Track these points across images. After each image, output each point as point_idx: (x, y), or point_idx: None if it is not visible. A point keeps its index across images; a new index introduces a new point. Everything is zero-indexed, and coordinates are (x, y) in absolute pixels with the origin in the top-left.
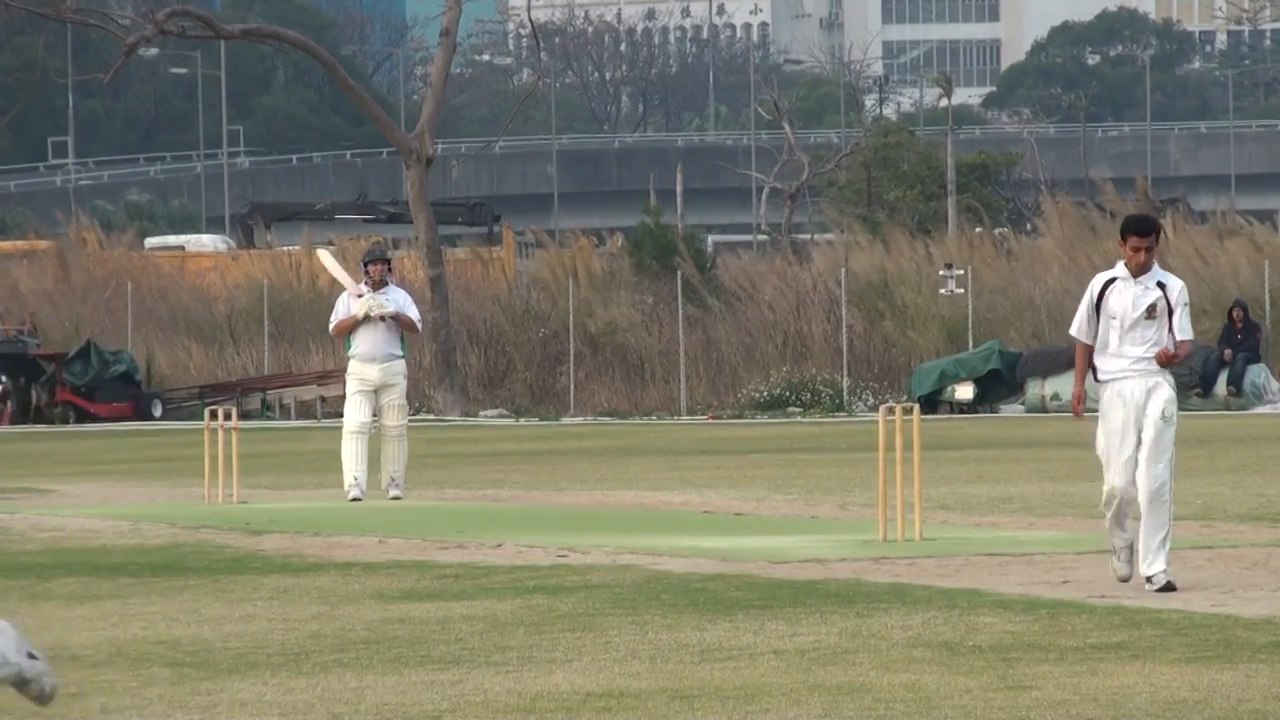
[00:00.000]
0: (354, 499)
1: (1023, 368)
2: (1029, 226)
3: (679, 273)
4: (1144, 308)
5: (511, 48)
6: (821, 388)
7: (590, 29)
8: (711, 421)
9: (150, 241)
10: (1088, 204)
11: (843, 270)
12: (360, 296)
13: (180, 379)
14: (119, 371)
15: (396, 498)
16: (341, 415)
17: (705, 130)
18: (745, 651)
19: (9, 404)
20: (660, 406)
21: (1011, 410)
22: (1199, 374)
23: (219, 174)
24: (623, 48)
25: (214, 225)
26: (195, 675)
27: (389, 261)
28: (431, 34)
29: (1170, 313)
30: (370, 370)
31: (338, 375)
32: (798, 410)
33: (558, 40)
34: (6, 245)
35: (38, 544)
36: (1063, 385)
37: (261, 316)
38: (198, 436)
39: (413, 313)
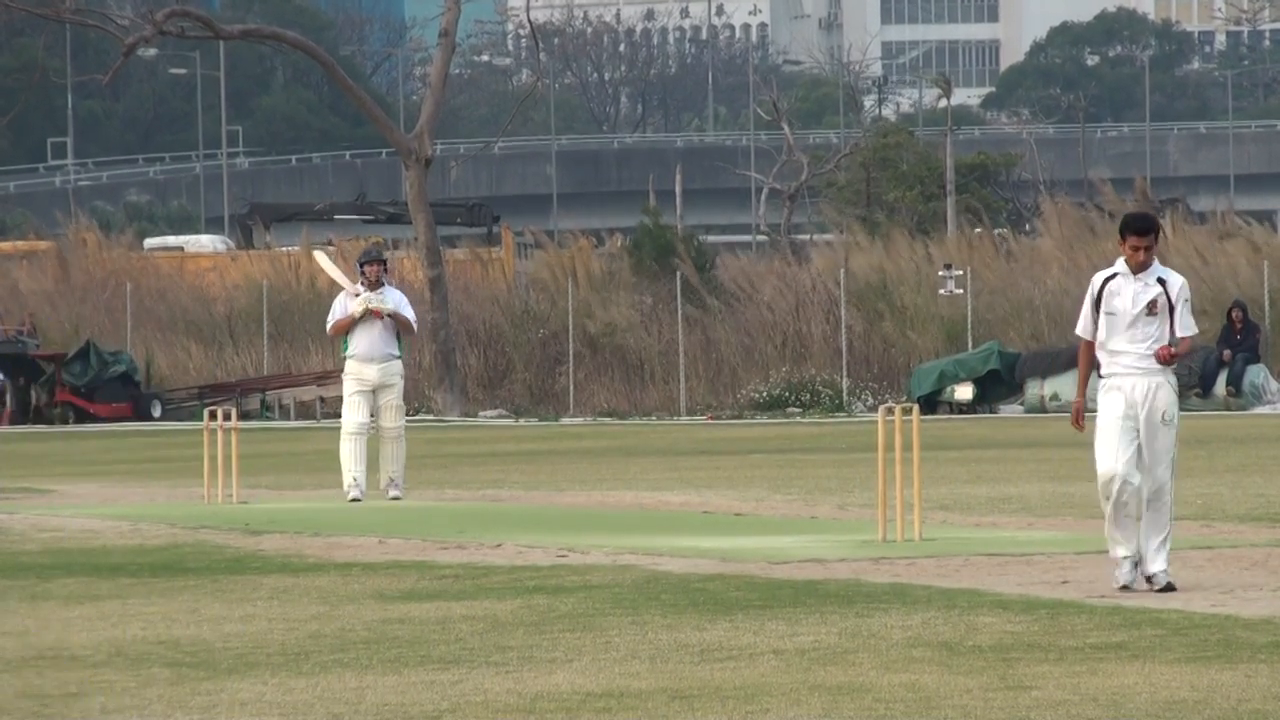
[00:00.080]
0: (353, 499)
1: (1022, 368)
2: (1028, 227)
3: (678, 273)
4: (1144, 304)
5: (510, 48)
6: (821, 388)
7: (589, 30)
8: (711, 422)
9: (149, 242)
10: (1087, 204)
11: (842, 271)
12: (357, 296)
13: (180, 379)
14: (118, 372)
15: (396, 498)
16: (340, 416)
17: (704, 131)
18: (745, 651)
19: (8, 404)
20: (660, 407)
21: (1011, 410)
22: (1198, 374)
23: (218, 174)
24: (622, 48)
25: (213, 226)
26: (195, 675)
27: (385, 262)
28: (430, 34)
29: (1171, 309)
30: (368, 370)
31: (337, 376)
32: (797, 411)
33: (557, 41)
34: (6, 246)
35: (38, 544)
36: (1062, 385)
37: (261, 317)
38: (197, 437)
39: (408, 313)
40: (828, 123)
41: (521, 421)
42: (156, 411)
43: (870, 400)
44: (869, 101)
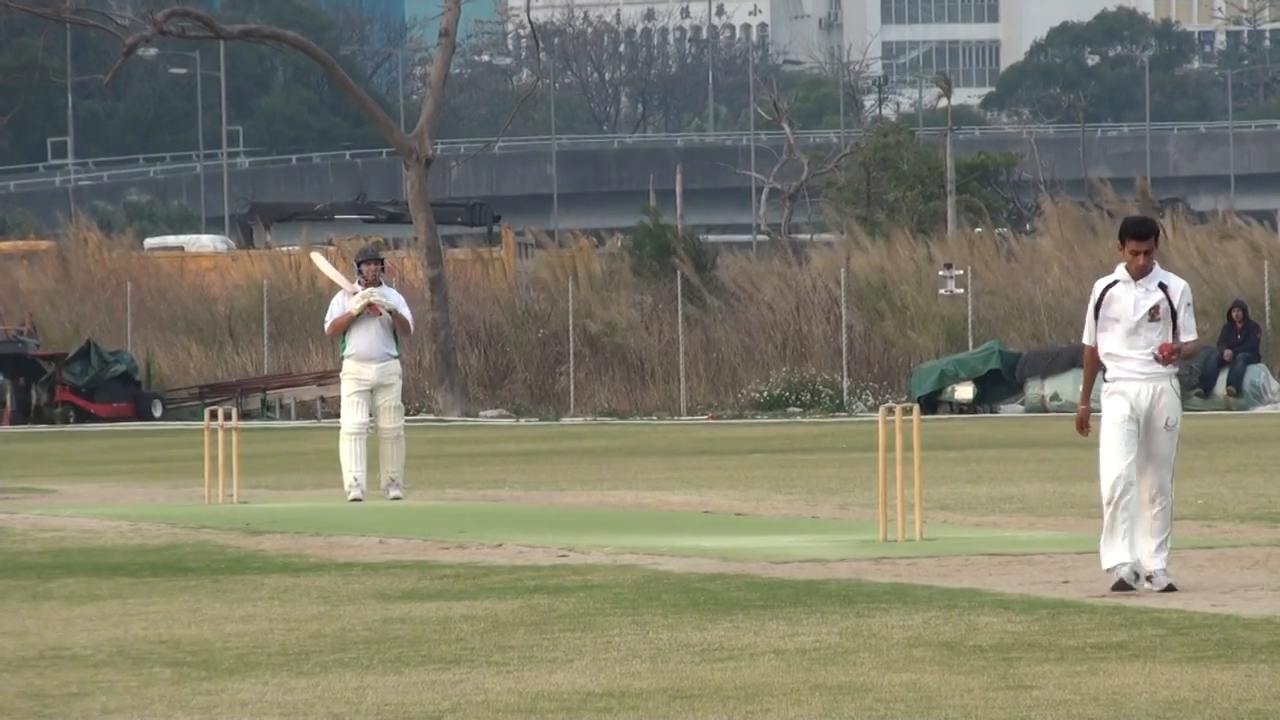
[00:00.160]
0: (354, 499)
1: (1022, 368)
2: (1028, 227)
3: (678, 273)
4: (1146, 310)
5: (511, 48)
6: (821, 388)
7: (589, 29)
8: (711, 422)
9: (150, 242)
10: (1087, 204)
11: (842, 270)
12: (355, 295)
13: (180, 379)
14: (119, 372)
15: (397, 498)
16: (340, 416)
17: (705, 131)
18: (746, 651)
19: (9, 404)
20: (660, 407)
21: (1011, 410)
22: (1199, 374)
23: (218, 174)
24: (622, 48)
25: (213, 225)
26: (196, 675)
27: (382, 261)
28: (431, 34)
29: (1174, 315)
30: (366, 370)
31: (337, 375)
32: (798, 410)
33: (557, 41)
34: (7, 245)
35: (38, 544)
36: (1062, 385)
37: (261, 317)
38: (198, 437)
39: (406, 313)
40: (828, 122)
41: (522, 421)
42: (157, 411)
43: (871, 400)
44: (869, 101)
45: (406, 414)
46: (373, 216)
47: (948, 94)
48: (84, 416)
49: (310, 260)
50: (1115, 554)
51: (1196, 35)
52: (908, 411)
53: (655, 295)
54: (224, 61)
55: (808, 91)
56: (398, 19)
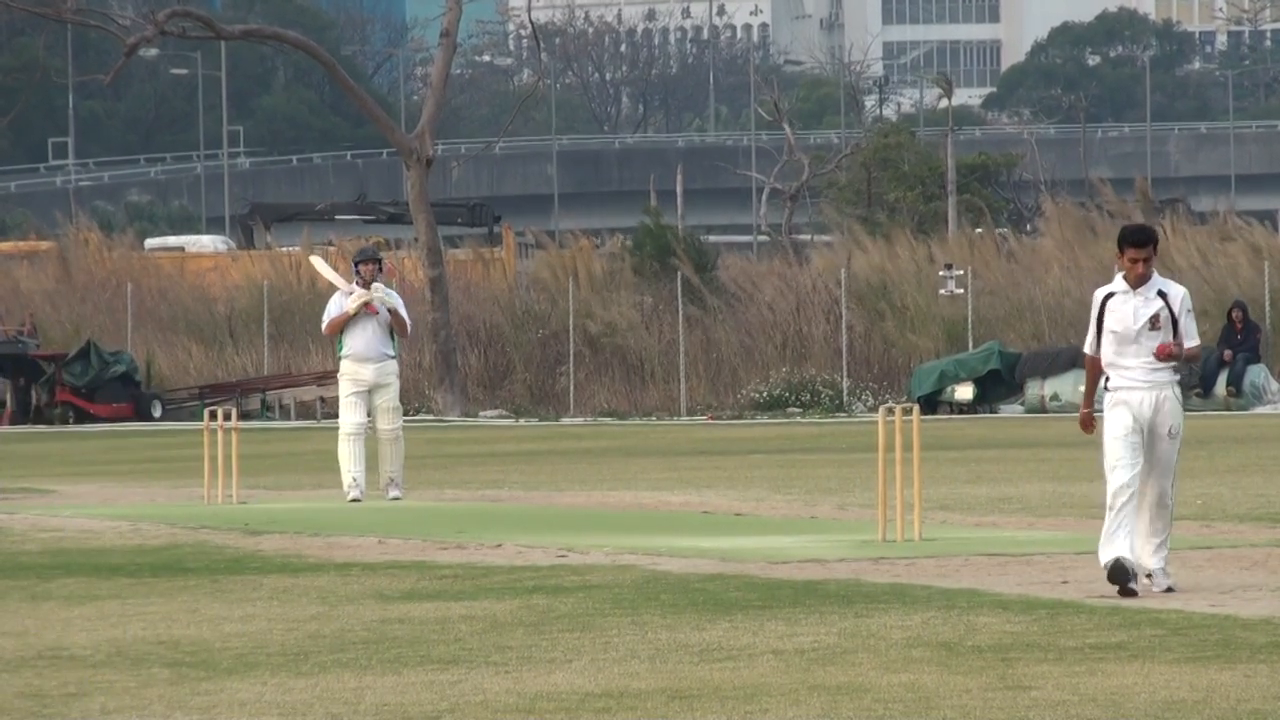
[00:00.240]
0: (353, 499)
1: (1022, 368)
2: (1029, 227)
3: (679, 273)
4: (1146, 319)
5: (512, 48)
6: (821, 388)
7: (590, 30)
8: (711, 422)
9: (150, 242)
10: (1088, 205)
11: (843, 271)
12: (351, 294)
13: (180, 379)
14: (119, 372)
15: (396, 498)
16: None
17: (705, 131)
18: (744, 652)
19: (9, 404)
20: (660, 407)
21: (1011, 411)
22: (1199, 374)
23: (219, 175)
24: (623, 48)
25: (214, 226)
26: (195, 675)
27: (380, 261)
28: (432, 35)
29: (1175, 322)
30: (364, 370)
31: (337, 376)
32: (797, 411)
33: (558, 41)
34: (7, 246)
35: (38, 544)
36: (1062, 386)
37: (261, 317)
38: (197, 437)
39: (404, 311)
40: (829, 123)
41: (521, 421)
42: (157, 412)
43: (870, 400)
44: (870, 102)
45: (406, 414)
46: (373, 217)
47: (948, 94)
48: (84, 417)
49: (309, 263)
50: (1112, 549)
51: (1197, 35)
52: (907, 412)
53: (655, 295)
54: (225, 62)
55: (808, 92)
56: (399, 19)
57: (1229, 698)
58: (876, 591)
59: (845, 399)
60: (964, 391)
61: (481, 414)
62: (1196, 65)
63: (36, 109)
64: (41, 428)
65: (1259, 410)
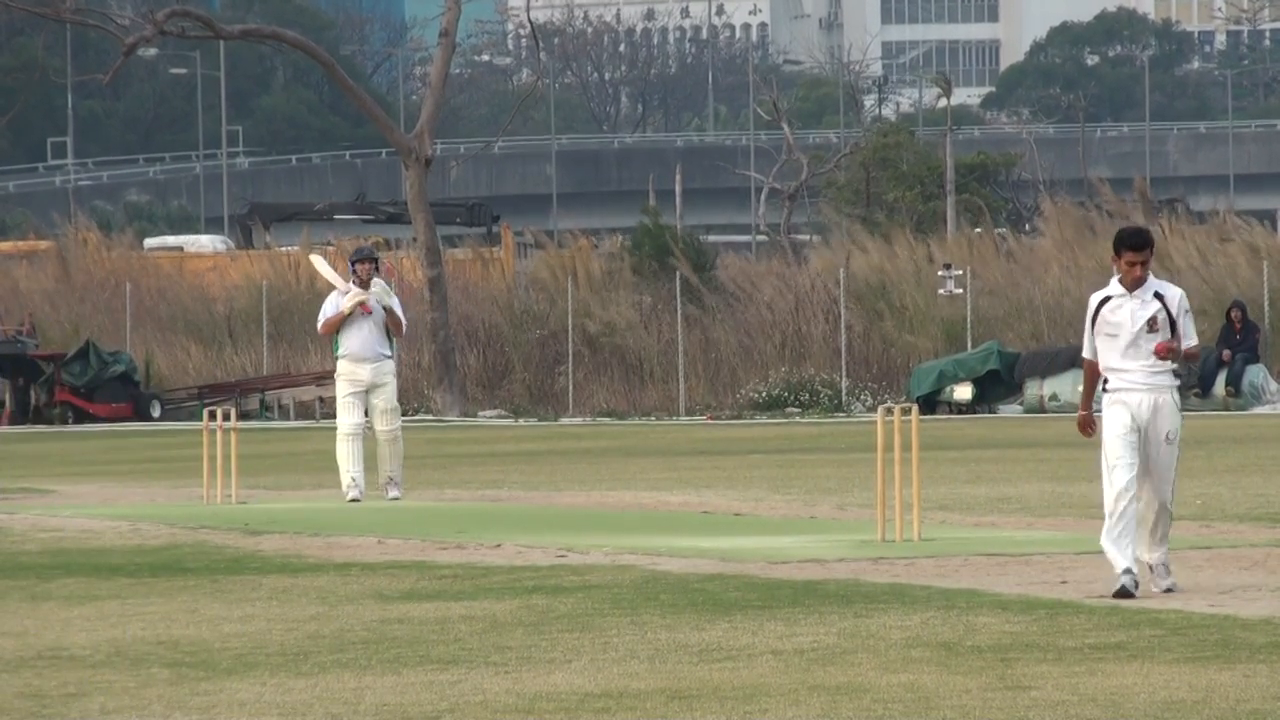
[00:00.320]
0: (352, 499)
1: (1021, 368)
2: (1028, 227)
3: (678, 273)
4: (1144, 321)
5: (511, 48)
6: (820, 388)
7: (589, 29)
8: (710, 422)
9: (149, 242)
10: (1087, 204)
11: (842, 270)
12: (347, 294)
13: (179, 379)
14: (118, 372)
15: (395, 498)
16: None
17: (704, 131)
18: (744, 652)
19: (8, 404)
20: (659, 407)
21: (1010, 411)
22: (1198, 374)
23: (218, 174)
24: (622, 48)
25: (213, 226)
26: (194, 675)
27: (377, 261)
28: (431, 34)
29: (1173, 323)
30: (361, 370)
31: (335, 376)
32: (796, 411)
33: (557, 41)
34: (6, 246)
35: (37, 544)
36: (1061, 386)
37: (260, 317)
38: (196, 437)
39: (399, 310)
40: (828, 122)
41: (521, 421)
42: (156, 412)
43: (869, 400)
44: (869, 101)
45: (405, 414)
46: (372, 217)
47: (947, 94)
48: (83, 417)
49: (309, 262)
50: (1124, 558)
51: (1196, 35)
52: (906, 412)
53: (654, 295)
54: (224, 61)
55: (807, 91)
56: (398, 19)
57: (1228, 698)
58: (876, 592)
59: (844, 399)
60: (963, 391)
61: (480, 414)
62: (1195, 65)
63: (35, 109)
64: (41, 428)
65: (1258, 410)
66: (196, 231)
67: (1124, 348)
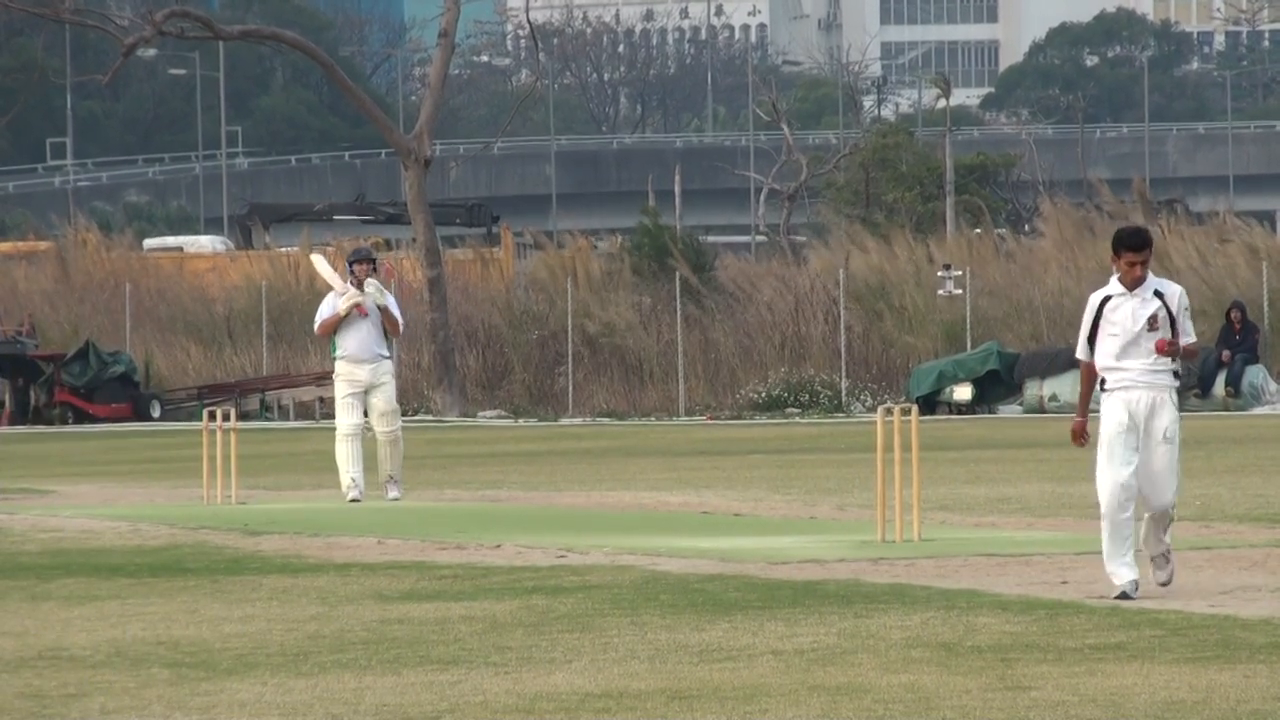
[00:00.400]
0: (352, 500)
1: (1021, 368)
2: (1027, 227)
3: (677, 273)
4: (1145, 320)
5: (510, 49)
6: (820, 388)
7: (589, 30)
8: (710, 422)
9: (149, 242)
10: (1086, 205)
11: (841, 271)
12: (344, 295)
13: (179, 380)
14: (117, 372)
15: (395, 499)
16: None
17: (704, 131)
18: (744, 652)
19: (8, 404)
20: (659, 407)
21: (1009, 411)
22: (1197, 375)
23: (217, 175)
24: (621, 49)
25: (212, 226)
26: (194, 676)
27: (375, 262)
28: (430, 35)
29: (1173, 321)
30: (359, 371)
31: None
32: (796, 411)
33: (556, 41)
34: (6, 246)
35: (37, 545)
36: (1061, 386)
37: (260, 317)
38: (196, 437)
39: (395, 310)
40: (827, 123)
41: (520, 422)
42: (156, 412)
43: (869, 401)
44: (868, 102)
45: (405, 415)
46: (372, 217)
47: (946, 94)
48: (83, 417)
49: (309, 262)
50: (1126, 571)
51: (1195, 36)
52: (906, 412)
53: (654, 296)
54: (223, 62)
55: (807, 92)
56: (397, 19)
57: (1228, 698)
58: (876, 592)
59: (844, 399)
60: (962, 392)
61: (480, 414)
62: (1194, 65)
63: (35, 109)
64: (41, 428)
65: (1257, 411)
66: (196, 232)
67: (1124, 346)
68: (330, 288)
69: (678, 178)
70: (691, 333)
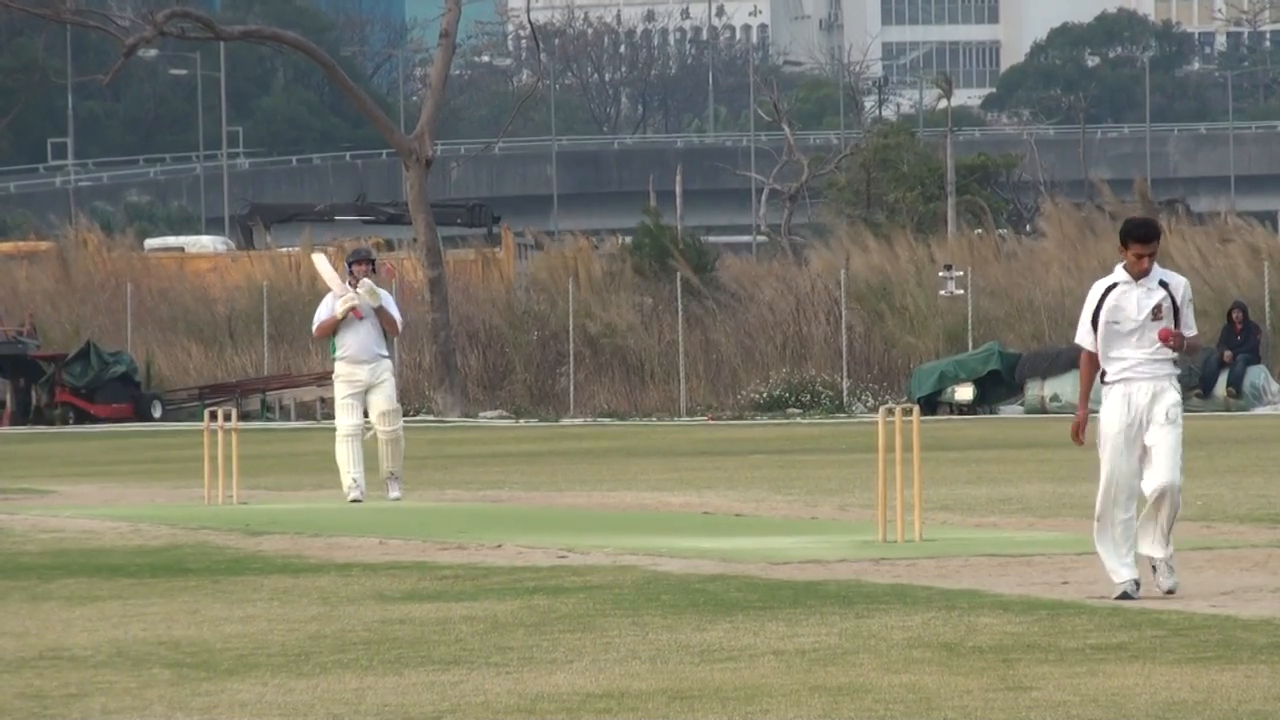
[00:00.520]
0: (354, 500)
1: (1022, 369)
2: (1028, 228)
3: (678, 274)
4: (1149, 309)
5: (511, 49)
6: (821, 389)
7: (590, 30)
8: (711, 423)
9: (150, 243)
10: (1085, 205)
11: (842, 271)
12: (342, 297)
13: (180, 380)
14: (119, 372)
15: (397, 499)
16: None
17: (705, 132)
18: (745, 652)
19: (9, 404)
20: (660, 408)
21: (1011, 411)
22: (1199, 375)
23: (218, 175)
24: (622, 49)
25: (214, 226)
26: (195, 676)
27: (373, 262)
28: (431, 35)
29: (1176, 312)
30: (358, 371)
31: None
32: (797, 411)
33: (557, 42)
34: (7, 246)
35: (38, 545)
36: (1062, 386)
37: (261, 318)
38: (197, 437)
39: (393, 310)
40: (828, 123)
41: (521, 422)
42: (157, 412)
43: (870, 401)
44: (869, 102)
45: (406, 415)
46: (373, 217)
47: (948, 95)
48: (84, 417)
49: (311, 261)
50: (1126, 571)
51: (1197, 36)
52: (907, 412)
53: (655, 296)
54: (224, 62)
55: (808, 92)
56: (398, 20)
57: (1229, 699)
58: (877, 592)
59: (845, 400)
60: (964, 392)
61: (481, 415)
62: (1196, 66)
63: (36, 109)
64: (41, 428)
65: (1259, 411)
66: (197, 232)
67: (1127, 335)
68: (330, 288)
69: (679, 178)
70: (693, 333)
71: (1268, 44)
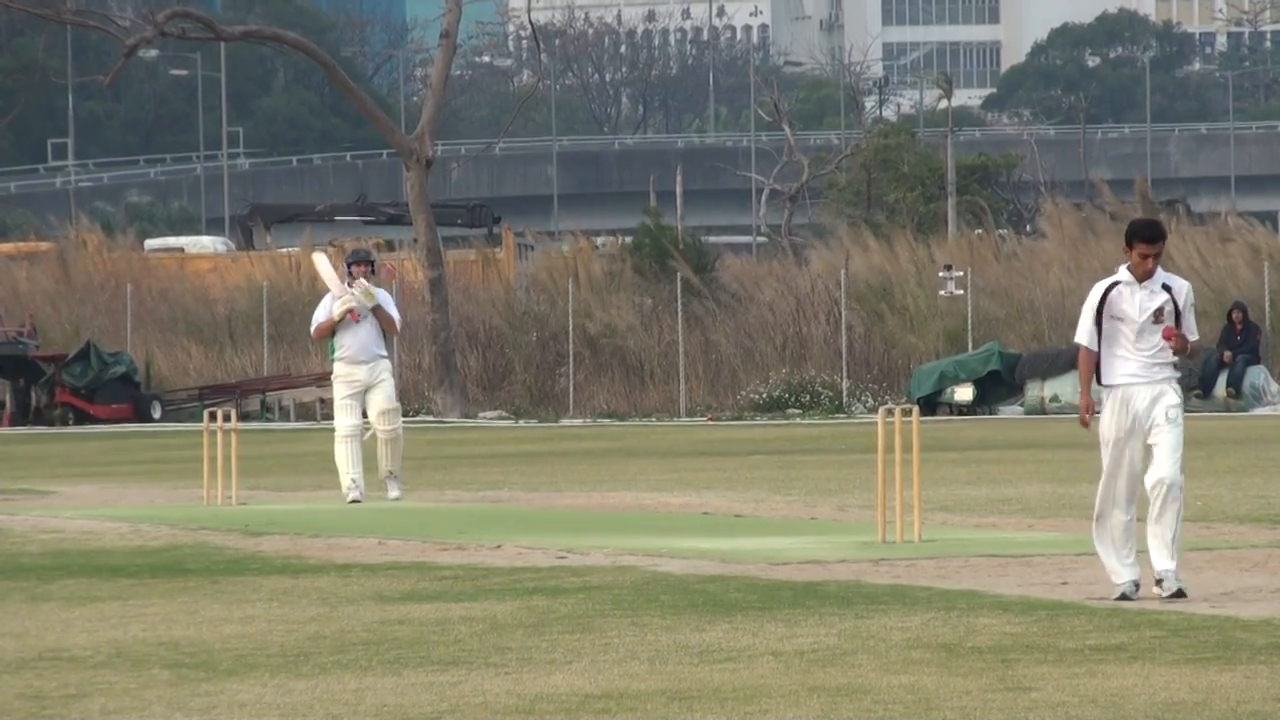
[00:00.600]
0: (353, 500)
1: (1022, 369)
2: (1029, 228)
3: (678, 274)
4: (1151, 311)
5: (511, 49)
6: (821, 389)
7: (590, 31)
8: (711, 423)
9: (150, 243)
10: (1084, 206)
11: (842, 271)
12: (340, 298)
13: (180, 380)
14: (118, 373)
15: (396, 498)
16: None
17: (705, 132)
18: (744, 653)
19: (8, 405)
20: (659, 408)
21: (1011, 412)
22: (1199, 376)
23: (219, 176)
24: (623, 49)
25: (214, 227)
26: (195, 677)
27: (373, 263)
28: (431, 36)
29: (1178, 315)
30: (357, 372)
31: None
32: (797, 412)
33: (558, 42)
34: (7, 247)
35: (38, 546)
36: (1062, 387)
37: (261, 318)
38: (197, 438)
39: (392, 310)
40: (829, 124)
41: (521, 423)
42: (156, 413)
43: (870, 401)
44: (870, 103)
45: (405, 415)
46: (373, 218)
47: (948, 95)
48: (83, 418)
49: (311, 261)
50: (1126, 571)
51: (1197, 36)
52: (907, 413)
53: (655, 296)
54: (224, 63)
55: (808, 93)
56: (398, 20)
57: (1229, 699)
58: (876, 593)
59: (845, 400)
60: (964, 393)
61: (481, 415)
62: (1196, 66)
63: (36, 110)
64: (41, 429)
65: (1259, 412)
66: (197, 233)
67: (1128, 337)
68: (329, 289)
69: (679, 178)
70: (692, 333)
71: (1268, 44)
